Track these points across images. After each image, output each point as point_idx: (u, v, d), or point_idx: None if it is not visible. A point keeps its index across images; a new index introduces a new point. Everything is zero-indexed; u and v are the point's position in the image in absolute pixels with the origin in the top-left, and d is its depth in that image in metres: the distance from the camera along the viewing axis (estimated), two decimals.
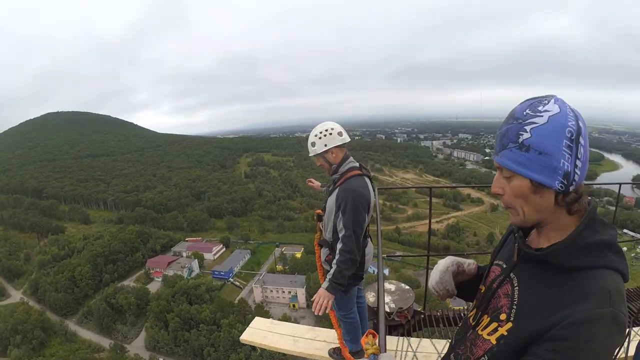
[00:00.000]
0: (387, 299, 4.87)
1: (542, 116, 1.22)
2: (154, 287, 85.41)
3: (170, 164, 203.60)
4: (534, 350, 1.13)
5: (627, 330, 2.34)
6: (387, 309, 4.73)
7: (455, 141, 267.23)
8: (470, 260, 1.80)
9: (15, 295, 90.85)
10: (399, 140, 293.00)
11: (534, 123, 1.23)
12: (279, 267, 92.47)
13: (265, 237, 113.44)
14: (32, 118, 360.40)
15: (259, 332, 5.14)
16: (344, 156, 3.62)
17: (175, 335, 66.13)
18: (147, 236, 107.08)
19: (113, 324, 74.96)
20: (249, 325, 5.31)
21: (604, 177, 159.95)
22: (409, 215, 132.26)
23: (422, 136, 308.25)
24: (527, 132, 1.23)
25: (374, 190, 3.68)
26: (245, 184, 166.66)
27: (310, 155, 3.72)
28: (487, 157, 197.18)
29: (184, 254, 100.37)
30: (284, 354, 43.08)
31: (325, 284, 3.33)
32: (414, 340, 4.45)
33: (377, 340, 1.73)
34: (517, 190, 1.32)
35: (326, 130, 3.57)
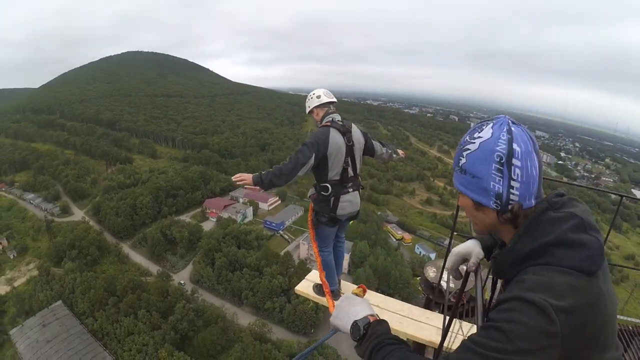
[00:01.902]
0: (447, 277, 4.10)
1: (474, 142, 1.43)
2: (207, 225, 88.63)
3: (240, 112, 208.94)
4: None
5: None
6: (445, 287, 4.29)
7: None
8: (475, 260, 2.06)
9: (78, 214, 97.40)
10: (472, 125, 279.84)
11: (468, 149, 1.45)
12: None
13: None
14: (111, 55, 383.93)
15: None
16: (324, 114, 4.35)
17: (219, 274, 68.21)
18: (208, 178, 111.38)
19: (164, 253, 78.66)
20: (306, 277, 5.47)
21: None
22: None
23: None
24: (464, 157, 1.47)
25: (344, 139, 4.13)
26: None
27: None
28: (560, 162, 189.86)
29: (241, 200, 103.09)
30: (315, 312, 42.67)
31: (256, 174, 3.85)
32: (465, 324, 4.13)
33: (365, 294, 2.30)
34: (465, 206, 1.60)
35: (309, 96, 4.46)
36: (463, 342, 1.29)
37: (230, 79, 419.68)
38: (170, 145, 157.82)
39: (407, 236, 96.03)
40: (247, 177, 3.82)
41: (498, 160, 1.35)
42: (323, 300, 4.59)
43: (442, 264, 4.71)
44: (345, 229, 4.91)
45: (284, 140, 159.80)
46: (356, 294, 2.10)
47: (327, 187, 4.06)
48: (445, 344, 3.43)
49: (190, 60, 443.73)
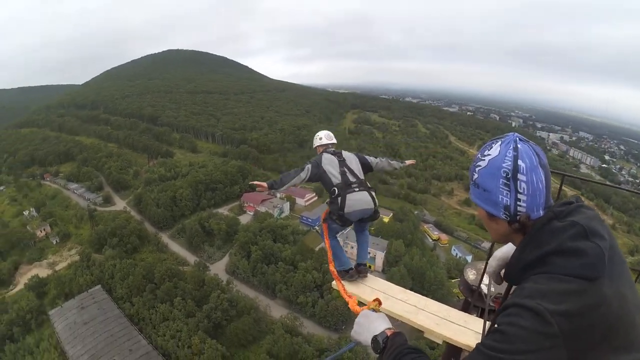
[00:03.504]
0: (488, 281, 4.40)
1: (484, 160, 1.63)
2: (244, 219, 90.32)
3: (278, 109, 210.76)
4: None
5: None
6: (486, 291, 4.34)
7: (574, 138, 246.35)
8: None
9: (120, 204, 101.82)
10: (513, 125, 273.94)
11: (480, 165, 1.65)
12: None
13: None
14: (153, 53, 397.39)
15: (352, 282, 5.24)
16: (323, 150, 5.48)
17: (255, 266, 69.49)
18: (246, 172, 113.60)
19: (201, 244, 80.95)
20: None
21: None
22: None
23: (539, 125, 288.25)
24: (476, 172, 1.67)
25: (335, 157, 5.21)
26: (347, 139, 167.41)
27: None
28: (604, 165, 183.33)
29: (278, 195, 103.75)
30: (348, 309, 42.36)
31: (269, 181, 5.04)
32: None
33: (379, 307, 2.83)
34: (481, 216, 1.80)
35: (316, 136, 5.82)
36: (476, 345, 1.44)
37: (269, 76, 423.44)
38: (209, 141, 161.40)
39: (444, 237, 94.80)
40: (263, 184, 4.86)
41: (504, 175, 1.52)
42: (357, 294, 4.85)
43: (482, 267, 4.70)
44: (365, 228, 5.60)
45: None
46: (373, 309, 2.65)
47: (335, 190, 4.84)
48: None
49: (230, 58, 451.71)
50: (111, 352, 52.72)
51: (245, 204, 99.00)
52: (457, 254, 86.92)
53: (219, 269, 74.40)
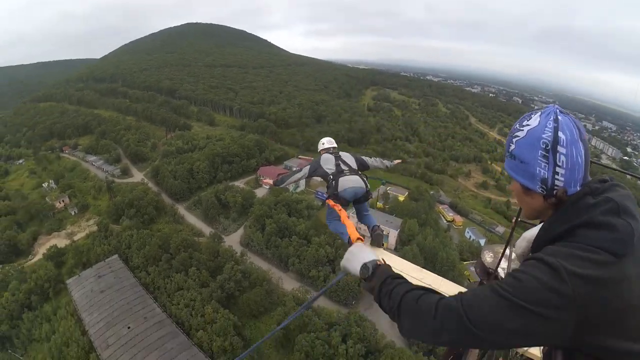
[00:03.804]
0: (504, 264, 4.50)
1: (523, 130, 1.58)
2: (260, 192, 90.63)
3: (297, 83, 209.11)
4: None
5: None
6: (502, 274, 4.38)
7: (597, 128, 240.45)
8: None
9: (137, 176, 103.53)
10: (535, 109, 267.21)
11: (517, 136, 1.60)
12: (380, 204, 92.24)
13: (373, 173, 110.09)
14: (171, 26, 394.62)
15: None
16: (323, 152, 6.32)
17: (269, 239, 70.19)
18: (264, 146, 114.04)
19: (217, 216, 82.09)
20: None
21: None
22: None
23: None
24: (513, 143, 1.62)
25: (332, 155, 6.08)
26: (366, 116, 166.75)
27: None
28: (625, 157, 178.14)
29: (294, 170, 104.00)
30: (358, 285, 42.86)
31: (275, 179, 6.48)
32: None
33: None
34: (515, 190, 1.75)
35: (320, 142, 6.70)
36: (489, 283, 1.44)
37: (288, 50, 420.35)
38: (227, 114, 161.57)
39: (459, 219, 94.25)
40: (269, 180, 6.38)
41: (544, 147, 1.47)
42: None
43: (500, 250, 4.64)
44: (364, 208, 6.28)
45: (340, 112, 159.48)
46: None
47: (330, 177, 5.68)
48: None
49: (249, 31, 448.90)
50: (126, 319, 54.48)
51: (261, 178, 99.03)
52: (470, 236, 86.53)
53: (233, 240, 75.41)
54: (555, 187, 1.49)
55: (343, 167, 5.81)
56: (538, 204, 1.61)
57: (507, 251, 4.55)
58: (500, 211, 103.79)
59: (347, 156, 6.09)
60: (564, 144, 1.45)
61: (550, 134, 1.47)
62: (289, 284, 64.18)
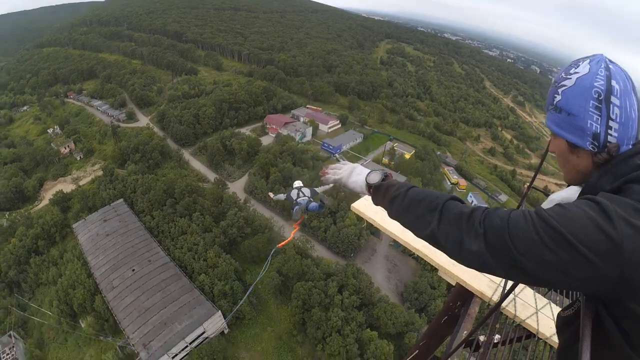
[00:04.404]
0: None
1: (570, 78, 1.42)
2: (266, 140, 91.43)
3: (309, 31, 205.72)
4: None
5: None
6: None
7: None
8: None
9: (143, 121, 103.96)
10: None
11: (564, 85, 1.44)
12: (385, 160, 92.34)
13: (381, 127, 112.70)
14: None
15: (372, 206, 4.98)
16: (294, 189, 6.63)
17: (272, 188, 70.07)
18: (271, 94, 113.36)
19: (222, 162, 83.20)
20: (365, 196, 5.15)
21: None
22: (531, 164, 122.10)
23: None
24: (559, 94, 1.46)
25: (297, 190, 6.33)
26: (378, 69, 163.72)
27: None
28: None
29: (301, 119, 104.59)
30: (358, 238, 43.84)
31: None
32: (528, 289, 4.49)
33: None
34: (558, 149, 1.58)
35: (294, 182, 6.81)
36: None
37: None
38: (235, 59, 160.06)
39: (463, 182, 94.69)
40: (270, 194, 6.92)
41: (596, 96, 1.32)
42: (376, 221, 4.91)
43: None
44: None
45: (352, 64, 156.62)
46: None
47: (294, 201, 6.54)
48: (503, 305, 3.77)
49: None
50: (131, 262, 56.77)
51: (268, 126, 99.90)
52: (472, 201, 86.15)
53: (237, 187, 76.75)
54: (608, 144, 1.36)
55: (301, 194, 6.84)
56: (584, 163, 1.47)
57: None
58: (505, 179, 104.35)
59: (305, 190, 7.06)
60: (618, 95, 1.30)
61: (602, 82, 1.31)
62: (290, 232, 65.39)
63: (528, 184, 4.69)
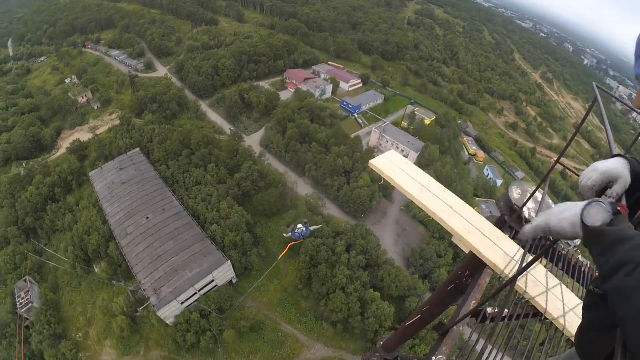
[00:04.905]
0: (531, 205, 4.46)
1: None
2: (285, 95, 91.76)
3: None
4: None
5: None
6: (527, 215, 4.39)
7: None
8: (621, 187, 1.66)
9: (161, 71, 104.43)
10: (585, 63, 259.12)
11: None
12: (405, 124, 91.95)
13: (403, 90, 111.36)
14: None
15: (392, 164, 5.08)
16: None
17: (288, 143, 72.12)
18: (293, 48, 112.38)
19: (239, 115, 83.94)
20: (384, 154, 5.26)
21: None
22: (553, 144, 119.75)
23: (611, 73, 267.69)
24: None
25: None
26: (405, 30, 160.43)
27: None
28: None
29: (322, 76, 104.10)
30: (370, 200, 44.46)
31: None
32: (541, 267, 4.34)
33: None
34: None
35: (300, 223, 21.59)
36: None
37: None
38: (257, 11, 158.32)
39: (481, 154, 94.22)
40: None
41: None
42: (395, 180, 4.87)
43: (530, 189, 4.50)
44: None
45: (378, 22, 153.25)
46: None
47: (296, 234, 20.46)
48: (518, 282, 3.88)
49: None
50: (146, 210, 58.72)
51: (287, 81, 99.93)
52: (488, 174, 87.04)
53: (253, 141, 77.80)
54: None
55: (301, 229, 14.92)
56: None
57: (538, 193, 4.59)
58: (524, 156, 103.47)
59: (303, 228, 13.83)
60: None
61: None
62: (303, 189, 67.14)
63: (555, 158, 4.45)
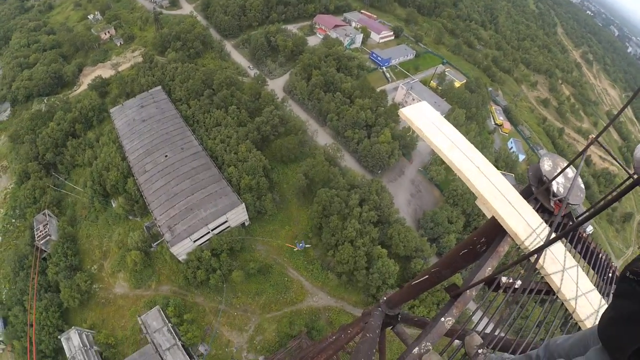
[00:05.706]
0: (561, 179, 4.50)
1: None
2: (312, 41, 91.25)
3: None
4: None
5: None
6: (555, 189, 4.43)
7: None
8: None
9: (186, 9, 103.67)
10: (629, 50, 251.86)
11: None
12: (433, 83, 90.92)
13: (436, 49, 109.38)
14: None
15: (423, 116, 5.13)
16: None
17: (312, 91, 72.22)
18: None
19: (264, 58, 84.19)
20: (416, 104, 5.28)
21: None
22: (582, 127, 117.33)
23: None
24: None
25: None
26: None
27: None
28: None
29: (353, 24, 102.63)
30: (389, 157, 44.50)
31: None
32: (559, 244, 4.34)
33: None
34: None
35: None
36: None
37: None
38: None
39: (507, 126, 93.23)
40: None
41: None
42: (424, 132, 4.91)
43: (561, 163, 4.50)
44: None
45: None
46: None
47: None
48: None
49: None
50: (164, 148, 60.42)
51: (316, 26, 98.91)
52: (512, 147, 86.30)
53: (277, 85, 78.23)
54: None
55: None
56: None
57: (570, 170, 4.59)
58: (550, 135, 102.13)
59: None
60: None
61: None
62: (323, 138, 68.05)
63: (594, 136, 4.46)
